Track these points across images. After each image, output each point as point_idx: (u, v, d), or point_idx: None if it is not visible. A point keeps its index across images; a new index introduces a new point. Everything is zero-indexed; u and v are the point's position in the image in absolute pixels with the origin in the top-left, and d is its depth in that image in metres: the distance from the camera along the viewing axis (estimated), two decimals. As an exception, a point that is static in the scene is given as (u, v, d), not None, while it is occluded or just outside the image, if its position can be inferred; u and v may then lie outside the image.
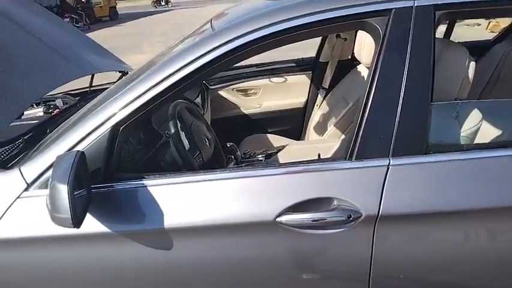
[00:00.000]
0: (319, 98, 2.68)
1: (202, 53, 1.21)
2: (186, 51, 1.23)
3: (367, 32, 1.27)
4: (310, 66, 2.73)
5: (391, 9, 1.18)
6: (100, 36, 14.11)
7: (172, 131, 1.49)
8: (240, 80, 2.79)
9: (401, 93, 1.16)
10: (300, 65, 2.77)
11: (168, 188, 1.24)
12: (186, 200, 1.22)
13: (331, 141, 2.15)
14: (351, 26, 1.38)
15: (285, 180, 1.21)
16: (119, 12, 19.83)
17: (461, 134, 1.28)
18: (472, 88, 1.43)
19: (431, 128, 1.18)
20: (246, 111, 2.81)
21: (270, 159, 2.06)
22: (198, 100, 2.52)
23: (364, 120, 1.18)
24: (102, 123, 1.22)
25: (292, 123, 2.84)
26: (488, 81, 2.34)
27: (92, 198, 1.17)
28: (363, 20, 1.20)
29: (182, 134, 1.55)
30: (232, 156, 2.10)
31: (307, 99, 2.78)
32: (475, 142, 1.30)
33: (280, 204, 1.17)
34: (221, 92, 2.77)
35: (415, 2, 1.18)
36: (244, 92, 2.81)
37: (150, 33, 13.69)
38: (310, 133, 2.68)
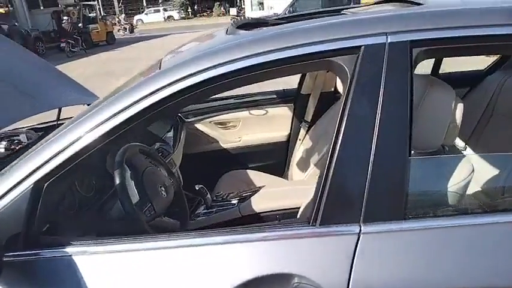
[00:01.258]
0: (302, 131, 2.50)
1: (140, 96, 1.03)
2: (122, 95, 1.05)
3: (334, 73, 1.09)
4: (292, 98, 2.56)
5: (359, 46, 1.01)
6: (96, 61, 14.12)
7: (117, 181, 1.29)
8: (218, 112, 2.62)
9: (373, 145, 0.98)
10: (281, 97, 2.60)
11: (103, 258, 1.04)
12: (121, 274, 1.02)
13: (312, 183, 1.95)
14: (314, 66, 1.20)
15: (236, 251, 1.01)
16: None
17: (448, 195, 1.08)
18: (465, 122, 1.24)
19: (410, 187, 0.98)
20: (224, 146, 2.63)
21: (244, 203, 1.85)
22: (170, 135, 2.34)
23: (330, 178, 0.99)
24: (23, 180, 1.04)
25: (275, 158, 2.65)
26: (483, 114, 2.15)
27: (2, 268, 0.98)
28: (328, 59, 1.03)
29: (130, 185, 1.36)
30: (202, 200, 1.91)
31: (289, 133, 2.60)
32: (464, 204, 1.10)
33: (227, 283, 0.96)
34: (198, 125, 2.60)
35: (388, 38, 1.01)
36: (223, 125, 2.63)
37: (147, 58, 13.67)
38: (294, 170, 2.48)
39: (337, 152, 0.99)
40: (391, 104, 1.00)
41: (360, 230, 0.97)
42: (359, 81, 1.01)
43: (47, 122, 2.47)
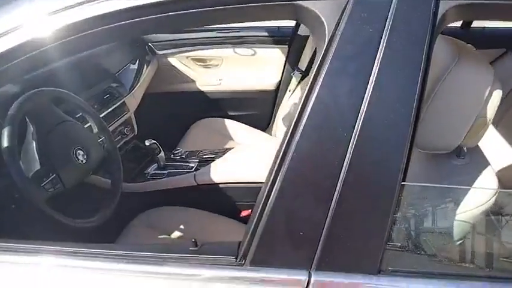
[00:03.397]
0: (294, 81, 2.08)
1: None
2: None
3: (305, 25, 0.69)
4: (287, 39, 2.10)
5: None
6: None
7: (4, 144, 0.94)
8: (198, 47, 2.17)
9: (348, 154, 0.61)
10: (274, 36, 2.13)
11: None
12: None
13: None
14: (269, 12, 0.77)
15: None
16: None
17: (452, 235, 0.71)
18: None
19: (397, 225, 0.63)
20: (201, 87, 2.23)
21: (202, 169, 1.51)
22: (134, 67, 1.93)
23: (274, 195, 0.64)
24: None
25: (259, 108, 2.26)
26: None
27: None
28: (292, 3, 0.61)
29: (30, 147, 1.01)
30: (155, 159, 1.57)
31: (279, 81, 2.18)
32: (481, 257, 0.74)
33: None
34: (172, 60, 2.17)
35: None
36: (202, 62, 2.21)
37: None
38: (278, 125, 2.11)
39: (290, 155, 0.62)
40: (388, 91, 0.60)
41: (309, 278, 0.63)
42: (342, 46, 0.60)
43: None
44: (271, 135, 2.15)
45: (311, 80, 0.63)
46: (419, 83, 0.61)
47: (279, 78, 2.18)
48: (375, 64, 0.61)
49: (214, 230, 1.33)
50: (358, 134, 0.60)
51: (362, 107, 0.60)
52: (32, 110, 1.04)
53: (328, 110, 0.62)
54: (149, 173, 1.56)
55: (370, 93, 0.60)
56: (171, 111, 2.17)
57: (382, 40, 0.60)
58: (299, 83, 2.04)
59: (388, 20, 0.60)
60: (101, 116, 1.43)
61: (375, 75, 0.60)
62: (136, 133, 1.77)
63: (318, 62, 0.63)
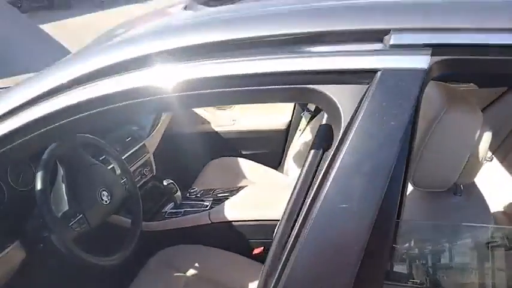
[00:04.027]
0: (303, 121, 2.17)
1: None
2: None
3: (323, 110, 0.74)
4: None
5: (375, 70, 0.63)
6: (126, 12, 13.76)
7: (38, 187, 1.04)
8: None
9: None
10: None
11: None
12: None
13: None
14: (288, 95, 0.83)
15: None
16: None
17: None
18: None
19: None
20: (216, 128, 2.34)
21: (216, 207, 1.59)
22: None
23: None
24: None
25: (271, 146, 2.34)
26: None
27: None
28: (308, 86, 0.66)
29: (60, 189, 1.11)
30: (172, 198, 1.65)
31: (290, 120, 2.28)
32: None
33: None
34: (188, 103, 2.30)
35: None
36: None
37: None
38: (289, 163, 2.18)
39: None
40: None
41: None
42: (359, 141, 0.61)
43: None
44: (282, 173, 2.22)
45: (327, 162, 0.63)
46: (409, 134, 0.66)
47: (290, 118, 2.28)
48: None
49: (228, 269, 1.39)
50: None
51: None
52: (63, 155, 1.15)
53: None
54: (166, 211, 1.63)
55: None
56: (187, 151, 2.27)
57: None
58: (308, 122, 2.13)
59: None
60: (123, 157, 1.53)
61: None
62: (155, 173, 1.86)
63: (332, 153, 0.63)
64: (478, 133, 0.86)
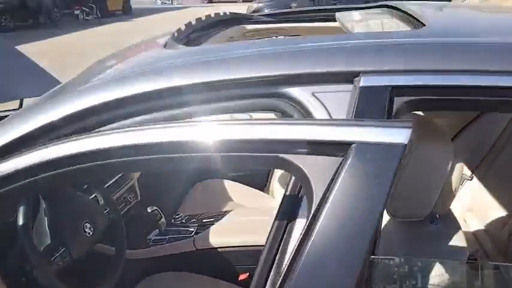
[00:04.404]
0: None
1: None
2: None
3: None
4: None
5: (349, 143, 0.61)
6: (108, 31, 13.80)
7: (20, 222, 1.04)
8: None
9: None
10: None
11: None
12: None
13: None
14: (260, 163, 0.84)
15: None
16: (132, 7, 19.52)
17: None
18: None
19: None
20: (201, 151, 2.34)
21: (200, 234, 1.59)
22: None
23: None
24: None
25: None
26: (494, 145, 1.78)
27: None
28: (276, 155, 0.65)
29: (42, 223, 1.10)
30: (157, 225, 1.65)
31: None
32: None
33: None
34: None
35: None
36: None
37: (161, 32, 13.30)
38: (275, 184, 2.20)
39: None
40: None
41: None
42: (330, 222, 0.59)
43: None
44: (268, 194, 2.24)
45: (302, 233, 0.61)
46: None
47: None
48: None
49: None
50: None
51: None
52: (45, 188, 1.15)
53: None
54: (151, 239, 1.63)
55: None
56: (171, 174, 2.27)
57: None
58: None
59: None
60: (107, 185, 1.53)
61: None
62: (139, 198, 1.86)
63: (306, 225, 0.60)
64: (450, 164, 0.89)
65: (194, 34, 1.11)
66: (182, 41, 0.97)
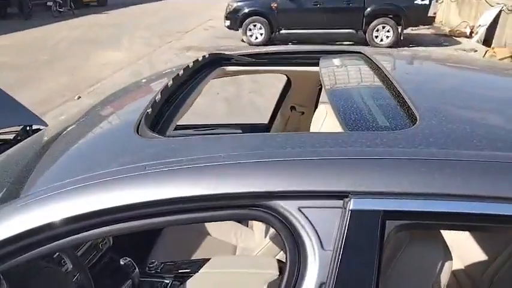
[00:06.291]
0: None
1: None
2: None
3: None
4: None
5: None
6: (82, 24, 13.35)
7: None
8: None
9: None
10: (248, 132, 2.22)
11: None
12: None
13: (263, 261, 1.62)
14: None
15: None
16: (108, -3, 18.91)
17: None
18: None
19: None
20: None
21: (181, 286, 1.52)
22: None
23: None
24: None
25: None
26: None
27: None
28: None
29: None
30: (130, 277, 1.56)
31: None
32: None
33: None
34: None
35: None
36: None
37: (135, 26, 12.97)
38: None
39: None
40: None
41: None
42: None
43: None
44: (247, 226, 2.18)
45: None
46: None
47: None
48: None
49: None
50: None
51: None
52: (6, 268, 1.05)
53: None
54: (123, 292, 1.55)
55: None
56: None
57: None
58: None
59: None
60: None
61: None
62: (111, 243, 1.77)
63: None
64: (440, 263, 0.86)
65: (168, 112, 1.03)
66: (155, 127, 0.90)
